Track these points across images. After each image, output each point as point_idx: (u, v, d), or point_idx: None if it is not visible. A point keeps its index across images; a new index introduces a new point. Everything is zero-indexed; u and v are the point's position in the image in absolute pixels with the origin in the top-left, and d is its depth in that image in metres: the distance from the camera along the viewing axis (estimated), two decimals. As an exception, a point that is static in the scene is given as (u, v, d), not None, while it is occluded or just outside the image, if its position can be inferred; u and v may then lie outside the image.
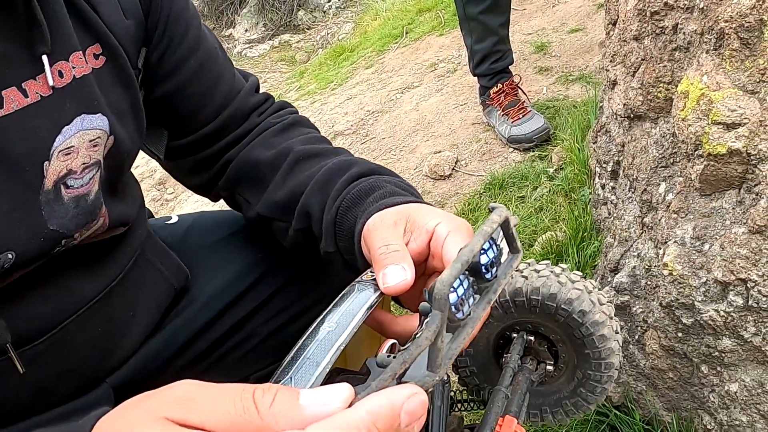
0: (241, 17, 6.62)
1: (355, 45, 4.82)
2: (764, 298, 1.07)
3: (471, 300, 0.58)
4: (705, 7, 1.19)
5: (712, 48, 1.16)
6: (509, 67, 2.83)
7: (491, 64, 2.77)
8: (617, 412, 1.45)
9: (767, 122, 1.06)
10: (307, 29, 6.16)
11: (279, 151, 1.06)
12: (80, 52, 0.88)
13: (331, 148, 1.08)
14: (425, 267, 0.81)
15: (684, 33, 1.26)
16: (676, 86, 1.28)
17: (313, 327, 0.68)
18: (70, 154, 0.87)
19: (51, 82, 0.84)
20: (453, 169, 2.78)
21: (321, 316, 0.69)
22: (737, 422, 1.19)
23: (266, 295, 1.15)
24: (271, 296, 1.15)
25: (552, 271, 0.86)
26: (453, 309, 0.55)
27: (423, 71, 3.83)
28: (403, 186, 0.95)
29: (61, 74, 0.86)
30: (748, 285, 1.08)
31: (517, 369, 0.89)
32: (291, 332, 1.16)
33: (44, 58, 0.83)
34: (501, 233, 0.62)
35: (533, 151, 2.67)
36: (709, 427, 1.28)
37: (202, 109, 1.08)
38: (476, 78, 2.91)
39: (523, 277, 0.87)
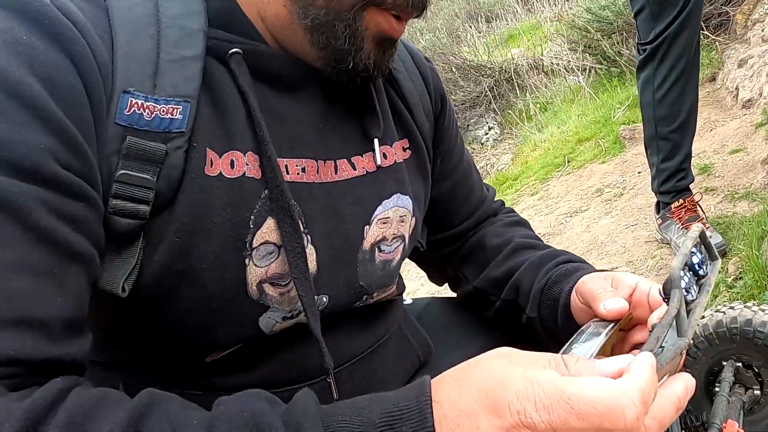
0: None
1: (518, 174, 5.24)
2: None
3: (693, 289, 0.76)
4: None
5: None
6: (689, 186, 3.05)
7: (676, 182, 2.99)
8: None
9: None
10: (468, 161, 6.66)
11: (503, 240, 1.25)
12: (399, 142, 1.07)
13: (545, 244, 1.25)
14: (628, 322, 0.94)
15: None
16: None
17: (564, 349, 0.81)
18: (386, 223, 1.02)
19: (378, 162, 1.01)
20: (633, 283, 3.06)
21: (567, 344, 0.82)
22: None
23: None
24: None
25: (744, 305, 1.08)
26: (684, 291, 0.71)
27: (589, 196, 4.18)
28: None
29: (385, 156, 1.03)
30: None
31: (729, 393, 1.06)
32: None
33: (375, 141, 1.01)
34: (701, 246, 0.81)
35: (709, 264, 2.92)
36: None
37: (459, 210, 1.27)
38: (657, 195, 3.14)
39: (720, 312, 1.10)
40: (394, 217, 1.04)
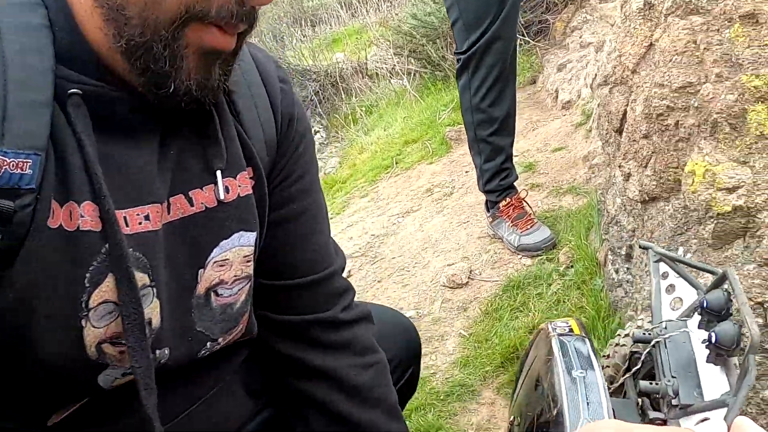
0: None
1: (346, 177, 5.25)
2: (779, 315, 1.44)
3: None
4: (699, 105, 1.61)
5: (708, 135, 1.57)
6: (514, 183, 3.22)
7: (500, 181, 3.16)
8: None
9: (759, 182, 1.46)
10: (295, 166, 6.64)
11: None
12: (244, 172, 0.99)
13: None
14: None
15: (684, 127, 1.69)
16: (683, 169, 1.69)
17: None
18: (224, 266, 0.97)
19: (221, 196, 0.95)
20: (469, 277, 3.15)
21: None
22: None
23: None
24: None
25: None
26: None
27: (420, 196, 4.25)
28: None
29: (228, 190, 0.96)
30: (765, 306, 1.45)
31: None
32: None
33: (218, 173, 0.94)
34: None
35: (541, 255, 3.06)
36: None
37: (295, 257, 1.14)
38: (484, 194, 3.29)
39: None
40: (235, 259, 0.99)
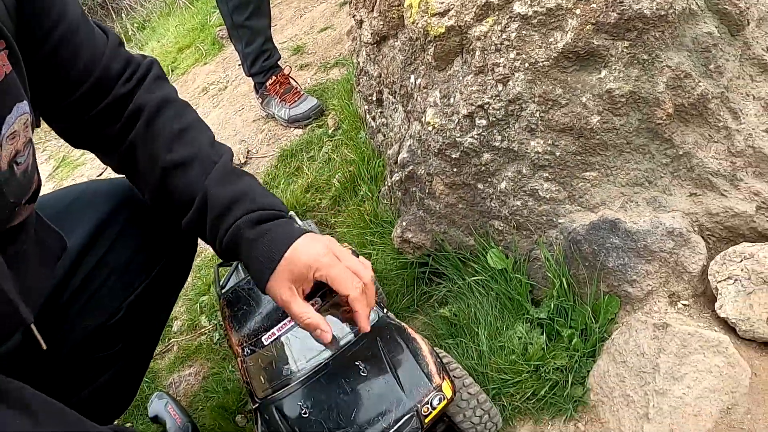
0: None
1: (125, 92, 5.02)
2: (497, 112, 1.50)
3: None
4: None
5: (419, -34, 1.61)
6: (278, 62, 3.22)
7: (263, 62, 3.15)
8: (434, 254, 1.83)
9: (466, 3, 1.51)
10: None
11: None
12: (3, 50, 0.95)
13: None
14: None
15: (399, -36, 1.72)
16: (404, 5, 1.72)
17: None
18: (14, 137, 0.97)
19: None
20: (247, 157, 3.15)
21: None
22: (515, 208, 1.60)
23: (115, 233, 1.39)
24: (120, 232, 1.40)
25: None
26: None
27: (197, 97, 4.15)
28: None
29: None
30: (485, 108, 1.52)
31: None
32: (144, 257, 1.44)
33: None
34: None
35: (312, 124, 3.10)
36: (500, 228, 1.67)
37: (71, 72, 1.17)
38: (251, 78, 3.28)
39: None
40: (20, 128, 0.99)
